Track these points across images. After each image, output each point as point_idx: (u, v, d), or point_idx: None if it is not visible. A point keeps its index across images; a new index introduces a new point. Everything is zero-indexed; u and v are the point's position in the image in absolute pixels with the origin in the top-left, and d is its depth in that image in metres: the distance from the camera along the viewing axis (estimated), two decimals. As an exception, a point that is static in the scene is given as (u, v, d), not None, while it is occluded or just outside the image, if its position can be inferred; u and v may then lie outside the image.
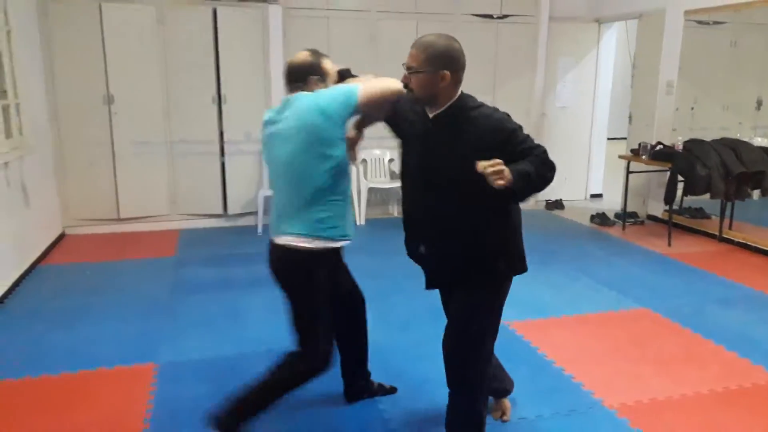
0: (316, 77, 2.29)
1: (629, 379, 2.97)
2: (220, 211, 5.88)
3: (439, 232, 2.11)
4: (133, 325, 3.58)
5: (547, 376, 3.00)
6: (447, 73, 1.97)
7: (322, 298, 2.33)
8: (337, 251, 2.40)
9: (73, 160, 5.42)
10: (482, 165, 1.82)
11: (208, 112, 5.64)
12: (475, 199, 1.99)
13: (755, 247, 5.10)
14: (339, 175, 2.23)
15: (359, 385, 2.74)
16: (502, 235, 2.10)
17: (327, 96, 2.19)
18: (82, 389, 2.86)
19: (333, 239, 2.27)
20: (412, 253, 2.27)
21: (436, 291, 2.32)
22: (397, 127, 2.33)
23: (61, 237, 5.39)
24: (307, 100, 2.21)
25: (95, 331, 3.49)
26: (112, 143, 5.47)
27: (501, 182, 1.81)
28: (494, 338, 2.21)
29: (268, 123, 2.34)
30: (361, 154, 6.19)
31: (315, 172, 2.18)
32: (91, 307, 3.85)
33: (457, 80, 2.02)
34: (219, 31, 5.52)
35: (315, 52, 2.34)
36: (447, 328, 2.19)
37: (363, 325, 2.70)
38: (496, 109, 2.05)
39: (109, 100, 5.38)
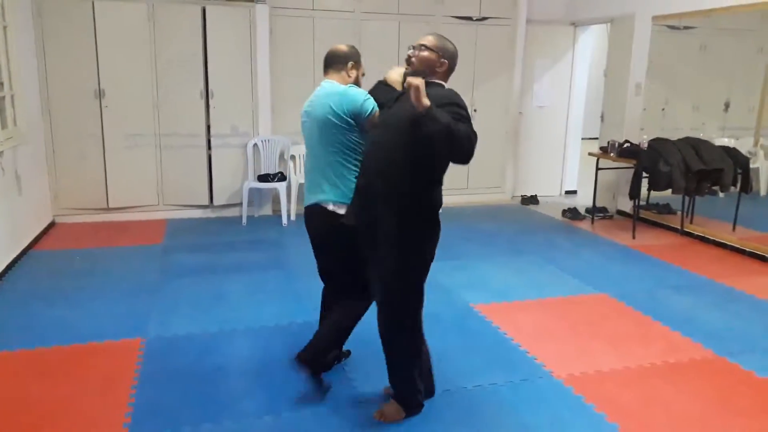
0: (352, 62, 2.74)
1: (579, 355, 3.24)
2: (206, 202, 6.10)
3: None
4: (122, 304, 3.81)
5: (505, 351, 3.27)
6: (446, 62, 2.42)
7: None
8: None
9: (65, 151, 5.63)
10: (411, 79, 2.14)
11: (196, 106, 5.86)
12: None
13: (712, 240, 5.40)
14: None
15: (329, 360, 2.94)
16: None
17: (347, 98, 2.62)
18: (74, 361, 3.09)
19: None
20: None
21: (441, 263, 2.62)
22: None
23: (52, 225, 5.59)
24: (326, 93, 2.68)
25: (86, 310, 3.71)
26: (103, 135, 5.67)
27: (420, 100, 2.11)
28: None
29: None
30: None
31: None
32: (81, 288, 4.07)
33: (448, 72, 2.47)
34: (207, 28, 5.74)
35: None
36: None
37: (362, 313, 2.86)
38: (455, 94, 2.36)
39: (100, 94, 5.59)
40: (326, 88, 2.71)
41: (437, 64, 2.41)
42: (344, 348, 3.08)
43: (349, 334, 2.82)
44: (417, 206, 2.38)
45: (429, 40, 2.43)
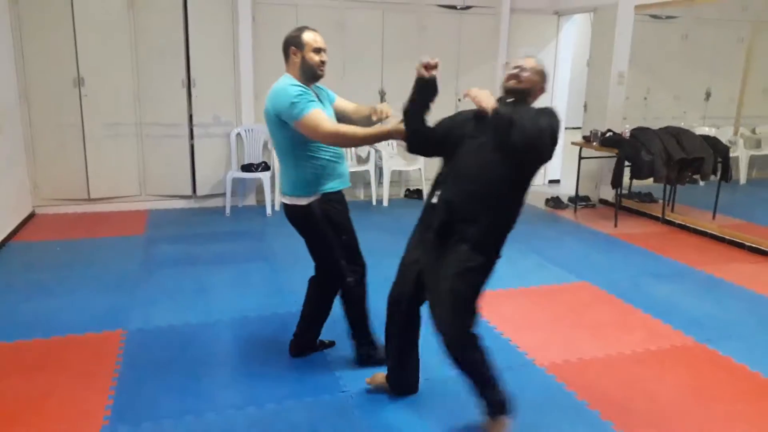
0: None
1: (561, 342, 3.27)
2: (188, 192, 6.05)
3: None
4: (102, 295, 3.77)
5: (488, 340, 3.20)
6: (544, 89, 2.43)
7: (324, 232, 2.75)
8: (338, 194, 2.82)
9: (44, 141, 5.53)
10: (468, 91, 2.30)
11: (178, 95, 5.79)
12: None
13: (693, 228, 5.47)
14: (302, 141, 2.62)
15: (306, 339, 3.03)
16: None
17: (278, 99, 2.60)
18: (54, 353, 3.05)
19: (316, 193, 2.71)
20: None
21: (393, 267, 2.61)
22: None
23: (32, 216, 5.51)
24: (272, 90, 2.67)
25: (66, 302, 3.67)
26: (83, 125, 5.59)
27: (484, 102, 2.22)
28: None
29: None
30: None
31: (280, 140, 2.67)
32: (62, 280, 4.02)
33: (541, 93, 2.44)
34: (189, 16, 5.66)
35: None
36: None
37: (332, 295, 2.95)
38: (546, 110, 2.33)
39: (80, 82, 5.49)
40: (276, 83, 2.69)
41: (539, 90, 2.39)
42: (328, 339, 3.11)
43: (322, 319, 2.96)
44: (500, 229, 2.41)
45: (535, 63, 2.39)
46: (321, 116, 2.55)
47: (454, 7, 6.64)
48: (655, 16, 6.39)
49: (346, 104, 2.95)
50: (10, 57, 5.21)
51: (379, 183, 6.41)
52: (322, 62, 2.70)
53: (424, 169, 6.46)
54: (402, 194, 6.82)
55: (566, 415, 2.60)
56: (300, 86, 2.60)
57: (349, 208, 2.93)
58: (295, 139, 2.62)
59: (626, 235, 5.38)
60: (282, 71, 2.76)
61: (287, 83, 2.63)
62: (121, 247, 4.78)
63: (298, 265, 4.40)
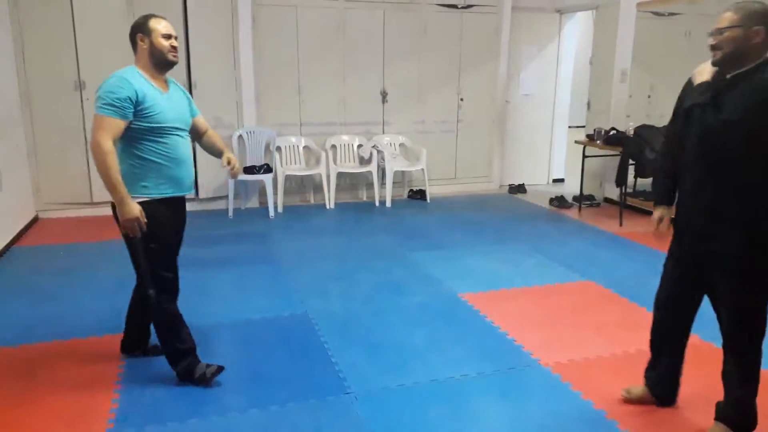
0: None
1: (566, 342, 3.25)
2: (191, 195, 6.04)
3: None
4: (105, 299, 3.76)
5: (492, 340, 3.26)
6: (762, 28, 2.01)
7: (147, 240, 2.63)
8: (162, 202, 2.66)
9: (46, 145, 5.54)
10: None
11: (180, 98, 5.78)
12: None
13: (698, 226, 5.42)
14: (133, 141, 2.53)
15: (133, 338, 3.03)
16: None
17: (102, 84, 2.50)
18: (58, 357, 3.04)
19: (144, 194, 2.59)
20: None
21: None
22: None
23: (35, 220, 5.51)
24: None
25: (70, 306, 3.66)
26: (84, 128, 5.59)
27: None
28: None
29: None
30: (331, 140, 6.40)
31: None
32: (65, 284, 4.02)
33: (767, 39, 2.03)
34: (189, 18, 5.66)
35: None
36: None
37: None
38: None
39: (81, 86, 5.50)
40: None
41: (750, 37, 2.02)
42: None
43: (145, 321, 2.94)
44: None
45: (727, 17, 2.06)
46: (108, 125, 2.43)
47: (455, 6, 6.62)
48: (657, 13, 6.36)
49: (202, 123, 2.95)
50: (11, 61, 5.21)
51: (382, 184, 6.39)
52: (173, 47, 2.61)
53: (427, 170, 6.44)
54: (405, 195, 6.81)
55: (572, 415, 2.58)
56: (124, 88, 2.45)
57: (185, 220, 2.87)
58: (133, 131, 2.52)
59: (631, 233, 5.35)
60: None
61: (122, 75, 2.51)
62: (124, 251, 4.74)
63: (302, 267, 4.41)
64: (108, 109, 2.44)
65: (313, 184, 6.50)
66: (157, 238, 2.65)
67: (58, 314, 3.54)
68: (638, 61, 6.24)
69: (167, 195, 2.66)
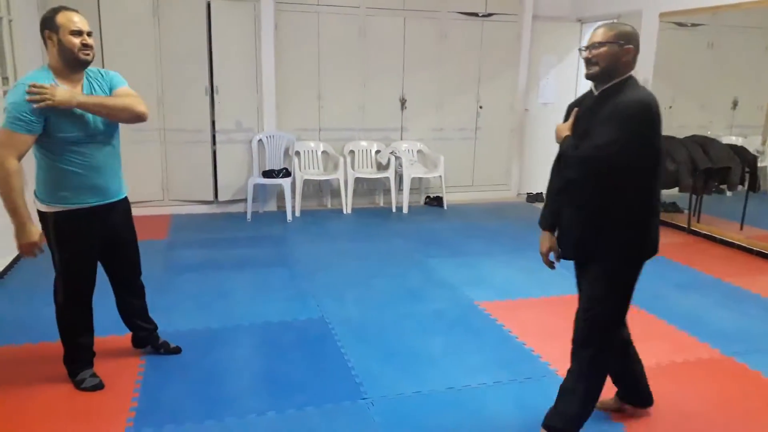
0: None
1: (584, 353, 3.21)
2: (210, 197, 6.10)
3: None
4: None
5: (509, 349, 3.25)
6: (631, 47, 2.15)
7: (60, 250, 2.60)
8: (87, 211, 2.59)
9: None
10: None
11: (201, 102, 5.85)
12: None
13: (719, 239, 5.37)
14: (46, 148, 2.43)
15: (141, 336, 3.08)
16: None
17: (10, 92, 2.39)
18: (78, 355, 3.08)
19: (63, 204, 2.52)
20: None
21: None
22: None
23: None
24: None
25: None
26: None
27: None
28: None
29: None
30: (349, 145, 6.43)
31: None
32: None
33: (635, 57, 2.18)
34: (212, 24, 5.73)
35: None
36: None
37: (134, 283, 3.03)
38: (648, 94, 2.15)
39: (105, 88, 5.58)
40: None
41: (622, 54, 2.13)
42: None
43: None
44: None
45: (601, 33, 2.15)
46: (14, 142, 2.28)
47: (475, 14, 6.63)
48: (680, 24, 6.31)
49: (120, 93, 2.69)
50: (38, 65, 5.30)
51: (399, 190, 6.40)
52: (85, 45, 2.40)
53: (444, 177, 6.44)
54: (422, 201, 6.81)
55: (590, 427, 2.55)
56: (31, 87, 2.29)
57: (118, 227, 2.83)
58: (41, 144, 2.40)
59: (650, 244, 5.29)
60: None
61: (28, 80, 2.33)
62: (143, 252, 4.73)
63: (319, 271, 4.43)
64: (13, 124, 2.28)
65: (331, 189, 6.53)
66: (69, 249, 2.60)
67: (79, 313, 3.58)
68: (660, 71, 6.19)
69: (90, 204, 2.57)
